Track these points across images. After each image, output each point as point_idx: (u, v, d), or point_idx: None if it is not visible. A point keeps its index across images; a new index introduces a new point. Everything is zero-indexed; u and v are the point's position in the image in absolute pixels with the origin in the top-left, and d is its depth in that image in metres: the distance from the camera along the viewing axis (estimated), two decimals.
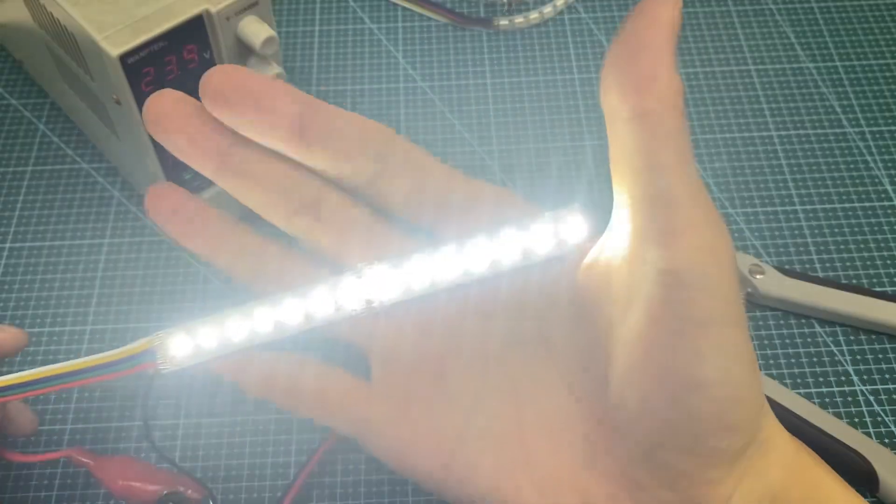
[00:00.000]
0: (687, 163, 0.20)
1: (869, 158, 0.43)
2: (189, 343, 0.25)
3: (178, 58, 0.33)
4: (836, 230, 0.40)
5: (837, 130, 0.44)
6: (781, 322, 0.38)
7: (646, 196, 0.21)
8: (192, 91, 0.35)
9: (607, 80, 0.21)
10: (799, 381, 0.36)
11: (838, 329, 0.38)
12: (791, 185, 0.42)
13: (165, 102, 0.25)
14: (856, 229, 0.40)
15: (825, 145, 0.44)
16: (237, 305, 0.25)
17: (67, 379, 0.24)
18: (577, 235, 0.24)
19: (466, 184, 0.26)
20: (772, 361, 0.37)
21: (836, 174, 0.42)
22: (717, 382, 0.20)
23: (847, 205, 0.41)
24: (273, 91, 0.24)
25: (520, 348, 0.25)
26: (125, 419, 0.35)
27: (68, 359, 0.36)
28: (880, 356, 0.37)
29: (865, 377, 0.36)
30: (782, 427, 0.23)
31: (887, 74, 0.46)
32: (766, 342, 0.37)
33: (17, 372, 0.25)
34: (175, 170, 0.36)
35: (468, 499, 0.25)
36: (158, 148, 0.35)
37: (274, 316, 0.25)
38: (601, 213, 0.24)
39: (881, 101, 0.45)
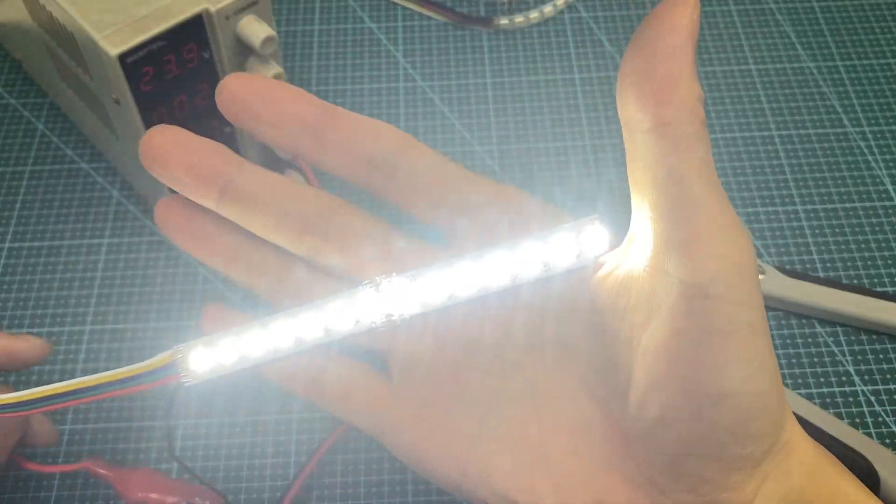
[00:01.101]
0: (709, 172, 0.20)
1: (870, 158, 0.43)
2: (209, 356, 0.25)
3: (177, 57, 0.33)
4: (837, 230, 0.40)
5: (838, 130, 0.44)
6: (782, 322, 0.38)
7: (667, 206, 0.21)
8: (192, 90, 0.35)
9: (624, 89, 0.20)
10: (800, 381, 0.36)
11: (839, 329, 0.37)
12: (792, 184, 0.42)
13: (160, 137, 0.25)
14: (857, 229, 0.40)
15: (826, 145, 0.43)
16: (255, 315, 0.26)
17: (91, 392, 0.24)
18: (598, 247, 0.24)
19: (484, 185, 0.25)
20: None
21: (837, 174, 0.42)
22: (740, 392, 0.20)
23: (848, 204, 0.41)
24: (290, 95, 0.24)
25: (538, 354, 0.25)
26: (123, 420, 0.35)
27: (67, 359, 0.37)
28: (881, 356, 0.37)
29: (866, 377, 0.36)
30: (804, 431, 0.23)
31: (888, 74, 0.46)
32: None
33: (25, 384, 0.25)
34: None
35: (485, 500, 0.25)
36: None
37: (293, 330, 0.25)
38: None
39: (882, 100, 0.45)
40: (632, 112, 0.20)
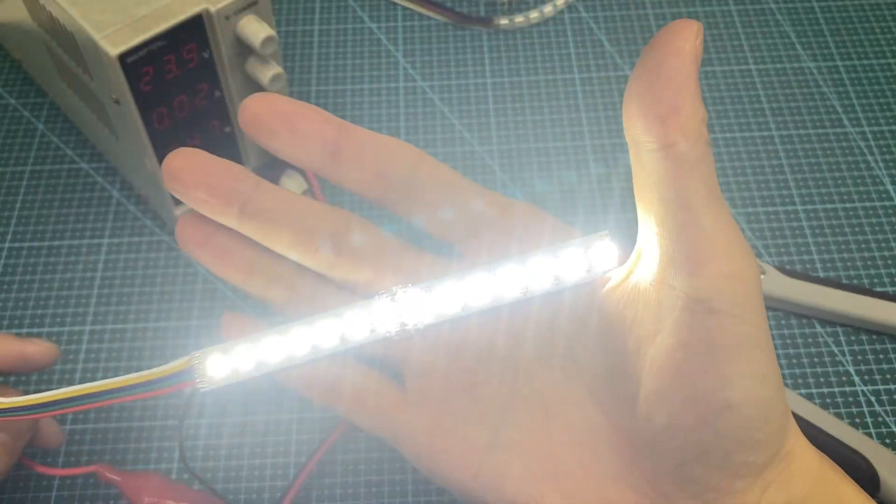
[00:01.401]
0: (713, 190, 0.21)
1: (870, 158, 0.43)
2: (225, 362, 0.25)
3: (177, 57, 0.33)
4: (837, 230, 0.40)
5: (838, 130, 0.44)
6: (782, 322, 0.38)
7: (673, 223, 0.21)
8: (192, 90, 0.35)
9: (630, 110, 0.21)
10: (800, 381, 0.36)
11: (839, 329, 0.37)
12: (792, 184, 0.42)
13: (181, 158, 0.25)
14: (857, 229, 0.40)
15: (826, 145, 0.43)
16: (272, 323, 0.26)
17: (106, 397, 0.25)
18: (608, 262, 0.24)
19: (496, 201, 0.26)
20: None
21: (837, 174, 0.42)
22: (744, 403, 0.21)
23: (848, 204, 0.41)
24: (308, 115, 0.25)
25: (549, 365, 0.26)
26: (123, 420, 0.35)
27: (67, 359, 0.37)
28: (881, 356, 0.37)
29: (866, 377, 0.36)
30: (807, 441, 0.24)
31: (888, 74, 0.46)
32: None
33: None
34: None
35: None
36: (157, 147, 0.35)
37: (310, 338, 0.25)
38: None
39: (882, 100, 0.45)
40: (638, 133, 0.21)
